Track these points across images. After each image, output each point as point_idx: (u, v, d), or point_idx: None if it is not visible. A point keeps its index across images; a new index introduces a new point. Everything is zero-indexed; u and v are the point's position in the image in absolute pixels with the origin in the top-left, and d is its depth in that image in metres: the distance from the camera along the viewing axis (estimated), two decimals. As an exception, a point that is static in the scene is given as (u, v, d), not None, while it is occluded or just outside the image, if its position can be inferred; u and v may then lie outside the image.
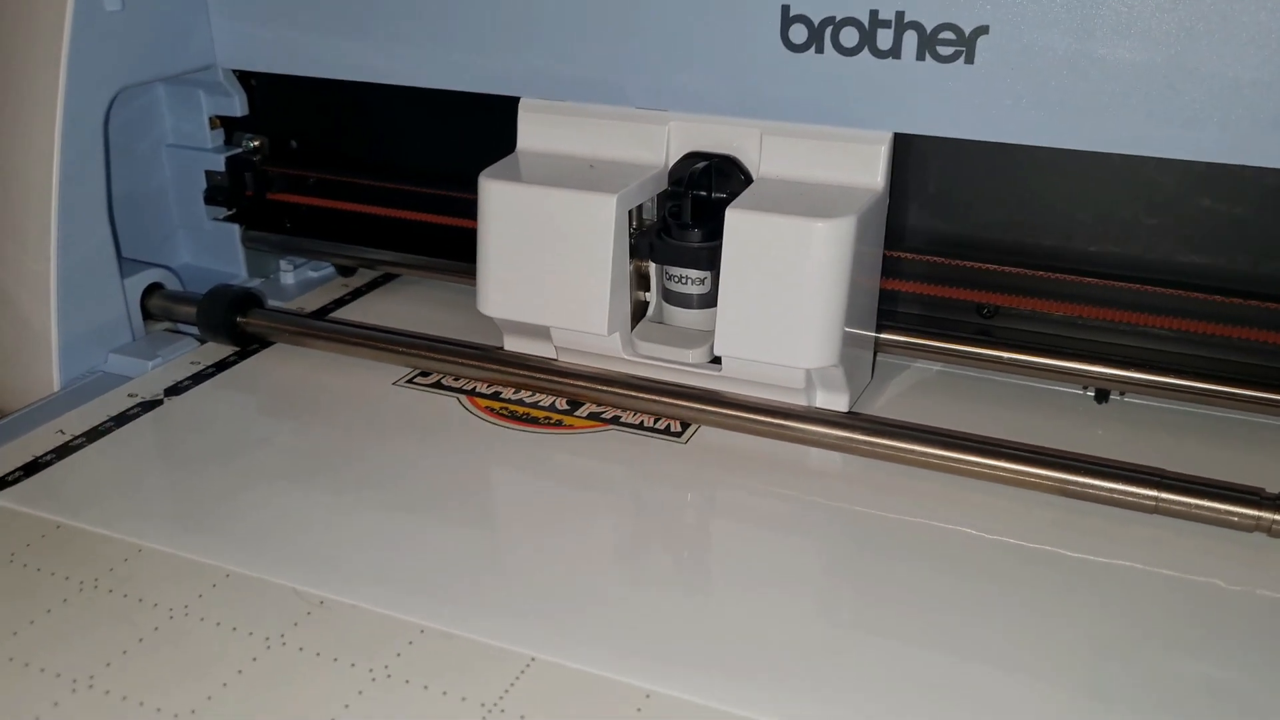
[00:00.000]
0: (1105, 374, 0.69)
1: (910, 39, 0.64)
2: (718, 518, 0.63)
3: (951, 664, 0.49)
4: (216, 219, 0.90)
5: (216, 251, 0.91)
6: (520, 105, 0.75)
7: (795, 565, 0.58)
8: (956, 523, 0.59)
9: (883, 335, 0.72)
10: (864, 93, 0.66)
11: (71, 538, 0.58)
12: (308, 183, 0.89)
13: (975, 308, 0.73)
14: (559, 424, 0.69)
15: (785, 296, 0.64)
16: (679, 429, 0.68)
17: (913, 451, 0.63)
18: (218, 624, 0.52)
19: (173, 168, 0.90)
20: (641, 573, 0.57)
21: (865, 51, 0.65)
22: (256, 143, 0.90)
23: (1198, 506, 0.58)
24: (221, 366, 0.77)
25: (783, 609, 0.53)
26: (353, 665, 0.49)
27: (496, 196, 0.70)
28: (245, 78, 0.87)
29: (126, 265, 0.80)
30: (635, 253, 0.70)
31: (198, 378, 0.75)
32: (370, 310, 0.87)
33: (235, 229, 0.90)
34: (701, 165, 0.69)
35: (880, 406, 0.71)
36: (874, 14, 0.64)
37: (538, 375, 0.72)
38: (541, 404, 0.71)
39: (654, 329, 0.72)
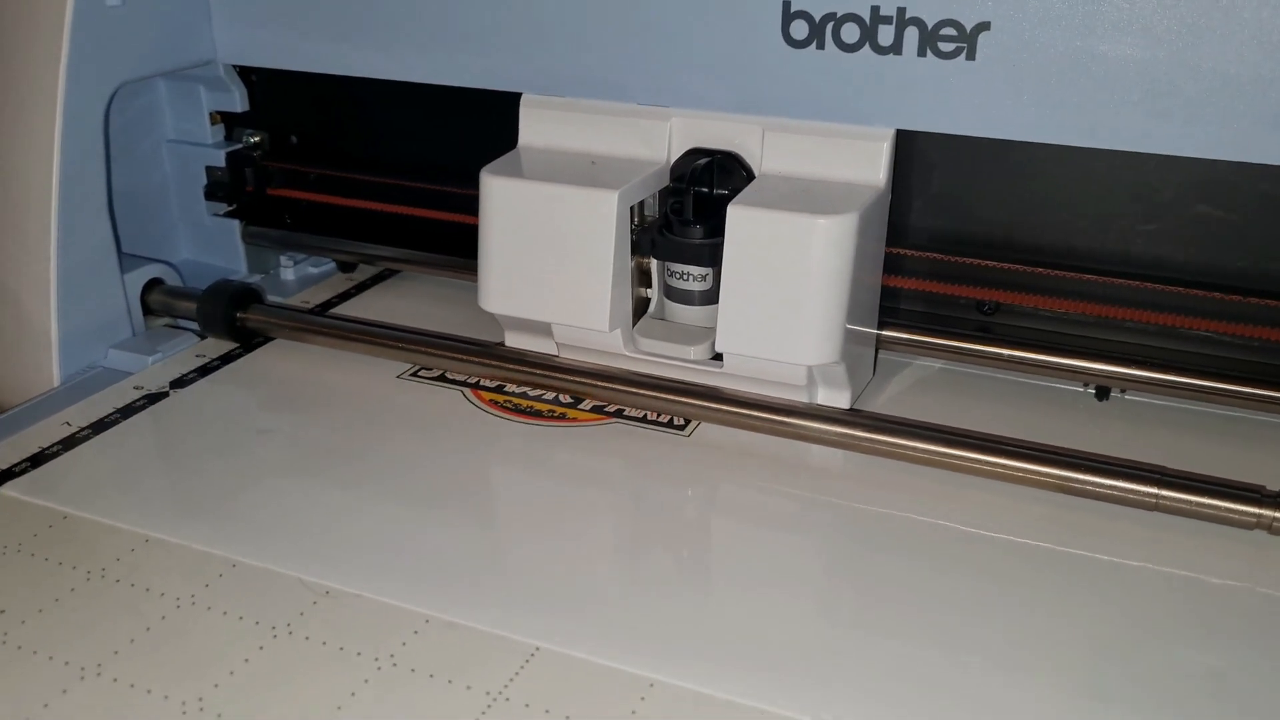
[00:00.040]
0: (1106, 371, 0.69)
1: (912, 35, 0.64)
2: (720, 513, 0.63)
3: (950, 657, 0.50)
4: (217, 214, 0.90)
5: (217, 247, 0.91)
6: (522, 101, 0.75)
7: (797, 560, 0.58)
8: (957, 519, 0.59)
9: (884, 332, 0.73)
10: (865, 89, 0.66)
11: (79, 528, 0.59)
12: (308, 178, 0.89)
13: (977, 305, 0.73)
14: (562, 417, 0.69)
15: (787, 293, 0.64)
16: (682, 423, 0.68)
17: (913, 448, 0.63)
18: (224, 613, 0.52)
19: (173, 163, 0.90)
20: (645, 565, 0.57)
21: (866, 48, 0.65)
22: (257, 138, 0.89)
23: (1198, 504, 0.58)
24: (227, 360, 0.77)
25: (784, 602, 0.54)
26: (358, 654, 0.49)
27: (498, 192, 0.70)
28: (246, 73, 0.87)
29: (127, 260, 0.80)
30: (637, 249, 0.70)
31: (203, 370, 0.75)
32: (371, 306, 0.87)
33: (235, 224, 0.90)
34: (703, 162, 0.69)
35: (881, 403, 0.71)
36: (875, 10, 0.64)
37: (539, 371, 0.72)
38: (545, 397, 0.71)
39: (655, 325, 0.72)
